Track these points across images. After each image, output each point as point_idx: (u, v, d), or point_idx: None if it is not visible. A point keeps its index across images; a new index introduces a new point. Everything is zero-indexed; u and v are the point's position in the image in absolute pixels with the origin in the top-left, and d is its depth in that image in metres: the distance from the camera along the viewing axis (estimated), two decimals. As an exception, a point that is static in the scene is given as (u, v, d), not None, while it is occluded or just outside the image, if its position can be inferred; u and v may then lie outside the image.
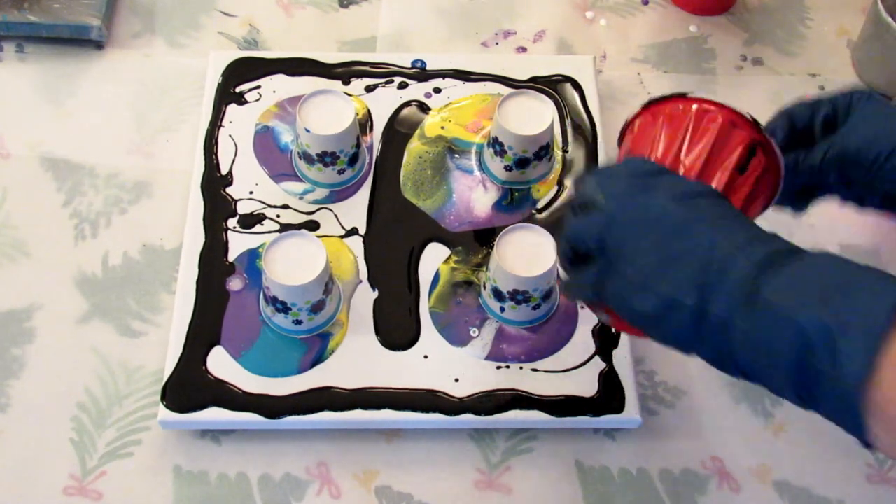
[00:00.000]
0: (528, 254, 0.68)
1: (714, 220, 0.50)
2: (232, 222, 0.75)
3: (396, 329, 0.71)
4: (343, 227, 0.75)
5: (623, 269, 0.51)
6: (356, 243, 0.75)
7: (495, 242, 0.68)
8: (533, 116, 0.74)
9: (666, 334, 0.52)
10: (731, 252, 0.48)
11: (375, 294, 0.72)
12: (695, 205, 0.50)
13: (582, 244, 0.53)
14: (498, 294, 0.69)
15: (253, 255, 0.73)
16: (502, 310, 0.70)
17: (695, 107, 0.57)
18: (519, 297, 0.68)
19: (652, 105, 0.58)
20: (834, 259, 0.48)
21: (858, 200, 0.62)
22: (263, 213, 0.75)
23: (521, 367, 0.69)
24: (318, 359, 0.69)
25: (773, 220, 0.80)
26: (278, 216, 0.75)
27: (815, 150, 0.60)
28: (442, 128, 0.80)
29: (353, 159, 0.76)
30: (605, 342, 0.71)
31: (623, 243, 0.51)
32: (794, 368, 0.45)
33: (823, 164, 0.60)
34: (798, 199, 0.64)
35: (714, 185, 0.55)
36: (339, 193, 0.77)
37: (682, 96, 0.57)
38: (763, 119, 0.59)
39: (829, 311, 0.44)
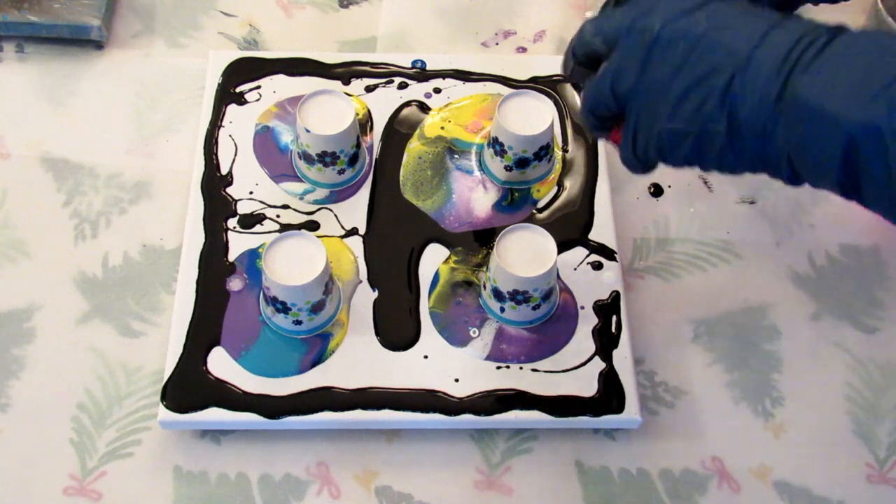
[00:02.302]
0: (528, 254, 0.68)
1: (723, 23, 0.45)
2: (232, 222, 0.75)
3: (396, 329, 0.71)
4: (343, 228, 0.75)
5: (650, 109, 0.48)
6: (356, 243, 0.75)
7: (495, 242, 0.68)
8: (533, 116, 0.74)
9: (709, 165, 0.49)
10: (749, 51, 0.43)
11: (375, 294, 0.72)
12: (694, 19, 0.46)
13: (605, 108, 0.51)
14: (498, 294, 0.69)
15: (253, 256, 0.73)
16: (502, 310, 0.70)
17: None
18: (519, 297, 0.68)
19: None
20: (873, 38, 0.42)
21: None
22: (263, 214, 0.75)
23: (521, 368, 0.69)
24: (319, 359, 0.69)
25: (773, 220, 0.80)
26: (278, 216, 0.75)
27: None
28: (442, 128, 0.80)
29: (353, 159, 0.76)
30: (605, 342, 0.71)
31: (641, 86, 0.48)
32: (840, 169, 0.41)
33: None
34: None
35: None
36: (339, 193, 0.77)
37: None
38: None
39: (875, 107, 0.39)
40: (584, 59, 0.54)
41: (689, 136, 0.47)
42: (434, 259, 0.74)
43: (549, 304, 0.71)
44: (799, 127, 0.42)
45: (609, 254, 0.75)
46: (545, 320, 0.71)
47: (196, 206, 0.75)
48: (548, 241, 0.68)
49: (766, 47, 0.43)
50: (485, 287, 0.71)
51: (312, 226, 0.75)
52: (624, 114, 0.51)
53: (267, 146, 0.79)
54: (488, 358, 0.70)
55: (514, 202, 0.77)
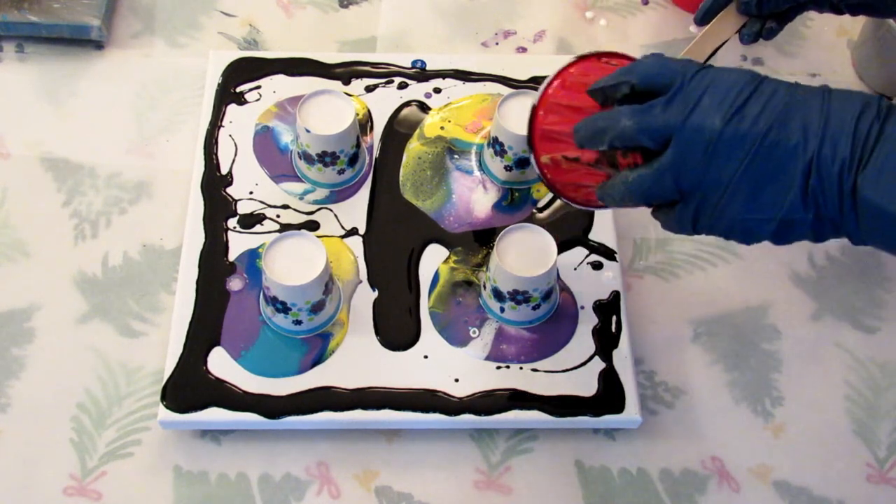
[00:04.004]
0: (528, 254, 0.68)
1: (780, 119, 0.49)
2: (232, 222, 0.75)
3: (396, 329, 0.71)
4: (343, 227, 0.75)
5: (719, 201, 0.51)
6: (356, 243, 0.75)
7: (495, 242, 0.68)
8: (533, 116, 0.74)
9: (785, 242, 0.52)
10: (816, 148, 0.48)
11: (375, 294, 0.72)
12: (750, 114, 0.50)
13: (662, 198, 0.53)
14: (498, 294, 0.69)
15: (253, 255, 0.73)
16: (502, 310, 0.70)
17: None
18: (519, 297, 0.68)
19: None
20: None
21: (834, 9, 0.65)
22: (263, 214, 0.75)
23: (521, 368, 0.69)
24: (319, 359, 0.69)
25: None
26: (278, 216, 0.75)
27: None
28: (441, 128, 0.80)
29: (353, 159, 0.76)
30: (605, 342, 0.71)
31: (707, 181, 0.51)
32: None
33: None
34: (769, 30, 0.66)
35: None
36: (339, 193, 0.77)
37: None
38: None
39: None
40: (621, 148, 0.55)
41: (772, 222, 0.51)
42: (434, 259, 0.74)
43: (549, 304, 0.71)
44: (870, 219, 0.48)
45: (609, 254, 0.75)
46: (545, 320, 0.71)
47: (196, 206, 0.75)
48: (548, 241, 0.68)
49: (829, 147, 0.48)
50: (485, 287, 0.71)
51: (312, 226, 0.75)
52: (677, 198, 0.53)
53: (267, 146, 0.79)
54: (488, 358, 0.70)
55: (514, 202, 0.77)
